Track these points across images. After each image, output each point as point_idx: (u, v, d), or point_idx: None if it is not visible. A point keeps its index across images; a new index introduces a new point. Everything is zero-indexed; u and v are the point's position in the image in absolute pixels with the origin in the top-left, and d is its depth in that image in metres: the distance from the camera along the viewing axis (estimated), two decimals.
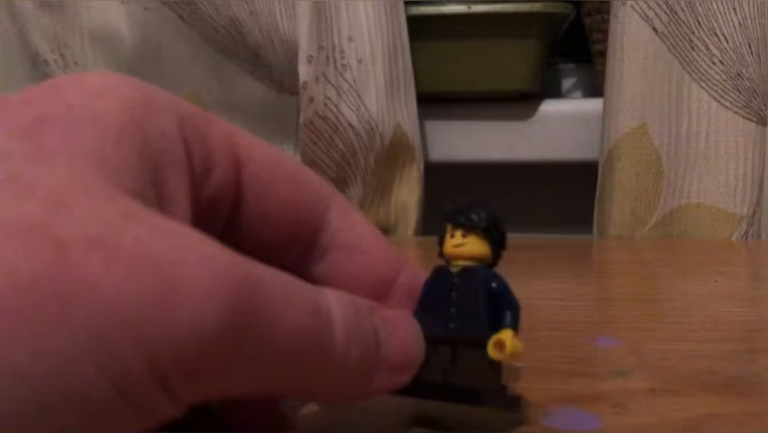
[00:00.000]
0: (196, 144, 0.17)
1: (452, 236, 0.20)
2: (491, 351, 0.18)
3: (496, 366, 0.19)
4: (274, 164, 0.19)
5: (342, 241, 0.20)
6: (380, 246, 0.20)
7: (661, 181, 0.59)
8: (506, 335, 0.18)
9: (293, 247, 0.20)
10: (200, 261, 0.13)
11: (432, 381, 0.19)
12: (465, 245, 0.19)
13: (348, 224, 0.20)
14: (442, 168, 0.69)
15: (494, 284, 0.19)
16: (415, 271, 0.21)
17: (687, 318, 0.33)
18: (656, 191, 0.59)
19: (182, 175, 0.16)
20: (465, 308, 0.19)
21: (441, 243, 0.20)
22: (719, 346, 0.27)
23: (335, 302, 0.16)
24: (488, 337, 0.18)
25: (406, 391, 0.18)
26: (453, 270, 0.19)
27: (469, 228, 0.19)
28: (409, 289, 0.20)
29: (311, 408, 0.21)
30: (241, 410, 0.19)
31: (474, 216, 0.19)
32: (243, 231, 0.19)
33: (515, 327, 0.19)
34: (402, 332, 0.18)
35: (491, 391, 0.19)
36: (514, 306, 0.19)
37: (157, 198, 0.15)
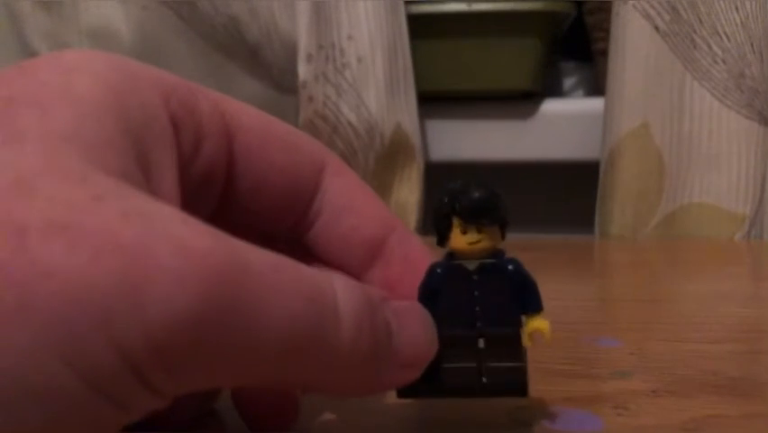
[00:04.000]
0: (183, 118, 0.16)
1: (463, 232, 0.18)
2: (528, 341, 0.18)
3: (524, 356, 0.18)
4: (266, 130, 0.19)
5: (334, 201, 0.19)
6: (372, 206, 0.20)
7: (663, 181, 0.59)
8: (540, 323, 0.18)
9: (289, 213, 0.19)
10: (172, 246, 0.12)
11: (463, 383, 0.18)
12: (481, 241, 0.18)
13: (340, 184, 0.20)
14: (442, 168, 0.69)
15: (511, 267, 0.18)
16: (406, 232, 0.20)
17: (689, 319, 0.33)
18: (658, 191, 0.59)
19: (168, 149, 0.15)
20: (491, 306, 0.18)
21: (444, 235, 0.18)
22: (721, 347, 0.27)
23: (344, 289, 0.15)
24: (519, 329, 0.18)
25: (434, 394, 0.18)
26: (470, 267, 0.19)
27: (485, 224, 0.18)
28: (402, 252, 0.20)
29: (312, 408, 0.20)
30: (255, 408, 0.19)
31: (489, 212, 0.18)
32: (240, 201, 0.18)
33: (540, 309, 0.18)
34: (414, 324, 0.17)
35: (520, 384, 0.18)
36: (533, 287, 0.18)
37: (142, 173, 0.14)
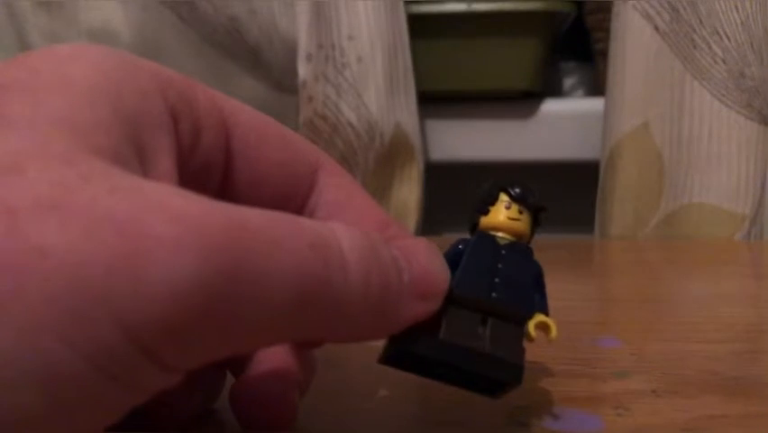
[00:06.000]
0: (182, 109, 0.16)
1: (507, 208, 0.20)
2: (533, 331, 0.18)
3: (522, 345, 0.18)
4: (262, 126, 0.19)
5: (330, 198, 0.19)
6: (367, 203, 0.20)
7: (662, 181, 0.59)
8: (548, 319, 0.18)
9: (285, 210, 0.19)
10: (167, 215, 0.12)
11: (460, 343, 0.18)
12: (521, 221, 0.20)
13: (336, 182, 0.20)
14: (442, 168, 0.69)
15: (536, 268, 0.19)
16: (401, 230, 0.20)
17: (689, 319, 0.33)
18: (658, 191, 0.59)
19: (165, 136, 0.15)
20: (512, 282, 0.19)
21: (483, 209, 0.20)
22: (721, 347, 0.27)
23: (345, 234, 0.15)
24: (530, 316, 0.18)
25: (431, 350, 0.18)
26: (501, 241, 0.19)
27: (529, 206, 0.20)
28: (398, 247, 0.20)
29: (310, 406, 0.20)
30: (251, 410, 0.19)
31: (536, 196, 0.20)
32: (236, 197, 0.18)
33: (547, 312, 0.19)
34: (423, 257, 0.17)
35: (518, 366, 0.18)
36: (545, 292, 0.19)
37: (136, 156, 0.14)
